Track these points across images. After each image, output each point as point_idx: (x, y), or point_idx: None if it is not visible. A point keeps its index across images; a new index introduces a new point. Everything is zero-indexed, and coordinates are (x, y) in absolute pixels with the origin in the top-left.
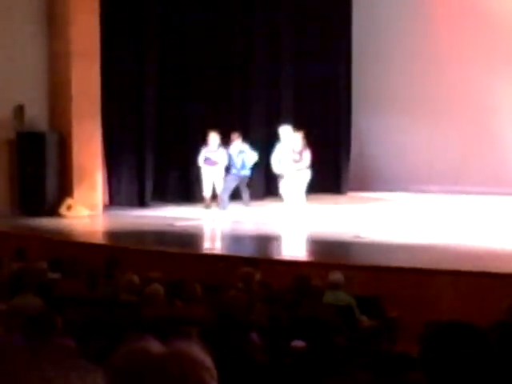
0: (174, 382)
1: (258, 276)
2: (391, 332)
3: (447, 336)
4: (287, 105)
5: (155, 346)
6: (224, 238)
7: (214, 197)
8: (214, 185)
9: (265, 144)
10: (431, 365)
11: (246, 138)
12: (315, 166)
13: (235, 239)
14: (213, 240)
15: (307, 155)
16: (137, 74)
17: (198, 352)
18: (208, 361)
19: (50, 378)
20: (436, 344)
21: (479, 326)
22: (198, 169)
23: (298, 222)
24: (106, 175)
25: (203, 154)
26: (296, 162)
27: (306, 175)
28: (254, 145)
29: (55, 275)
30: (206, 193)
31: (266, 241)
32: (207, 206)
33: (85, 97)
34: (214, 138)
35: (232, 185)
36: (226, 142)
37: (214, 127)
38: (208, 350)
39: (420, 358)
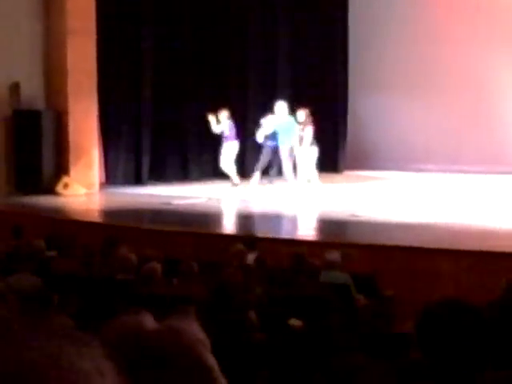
0: (167, 356)
1: (254, 255)
2: (388, 311)
3: (444, 314)
4: (284, 84)
5: (148, 321)
6: (222, 216)
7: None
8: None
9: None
10: (428, 342)
11: (243, 115)
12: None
13: (233, 217)
14: (211, 219)
15: (309, 131)
16: (133, 51)
17: (192, 327)
18: (202, 335)
19: (48, 352)
20: (433, 322)
21: (477, 304)
22: (195, 147)
23: (302, 199)
24: (103, 153)
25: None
26: (301, 139)
27: (313, 152)
28: (250, 122)
29: (51, 253)
30: (230, 169)
31: (263, 219)
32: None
33: (81, 74)
34: (223, 115)
35: (265, 158)
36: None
37: (212, 106)
38: (203, 327)
39: (417, 336)
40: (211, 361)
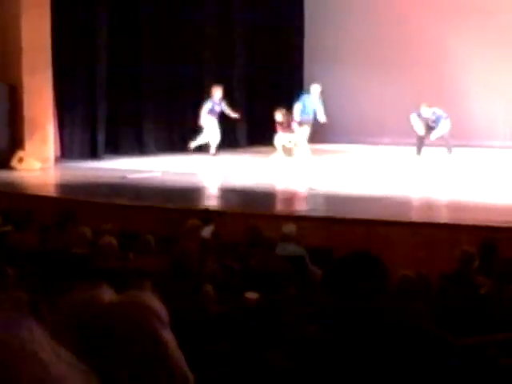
0: (123, 330)
1: (210, 228)
2: None
3: (351, 263)
4: (240, 56)
5: (106, 294)
6: (178, 190)
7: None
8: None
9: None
10: (334, 287)
11: (200, 90)
12: (269, 118)
13: (189, 191)
14: (167, 192)
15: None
16: (88, 24)
17: (150, 300)
18: (161, 309)
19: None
20: (339, 269)
21: (432, 275)
22: (150, 120)
23: (261, 173)
24: (58, 127)
25: (208, 105)
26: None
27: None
28: (205, 95)
29: (7, 228)
30: (213, 141)
31: (219, 193)
32: (214, 154)
33: (35, 48)
34: (218, 91)
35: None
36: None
37: (168, 78)
38: (162, 300)
39: (323, 281)
40: (167, 335)
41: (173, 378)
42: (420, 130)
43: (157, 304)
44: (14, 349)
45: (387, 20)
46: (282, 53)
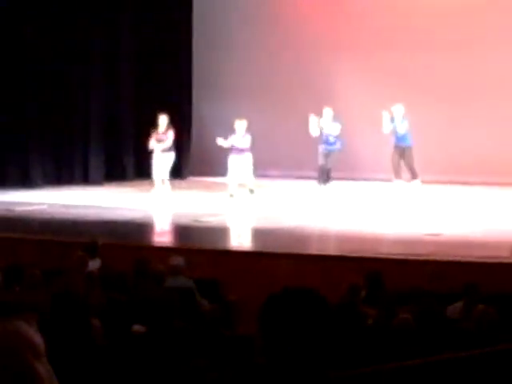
0: None
1: (97, 261)
2: (231, 315)
3: (286, 301)
4: (127, 88)
5: None
6: (64, 222)
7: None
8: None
9: (105, 127)
10: (270, 327)
11: (86, 120)
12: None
13: (76, 224)
14: (53, 225)
15: (171, 135)
16: None
17: (25, 330)
18: (35, 339)
19: None
20: (276, 306)
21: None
22: (36, 151)
23: (147, 204)
24: None
25: (154, 136)
26: (160, 141)
27: (171, 157)
28: (92, 126)
29: None
30: (156, 176)
31: (107, 225)
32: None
33: None
34: (163, 119)
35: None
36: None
37: (54, 108)
38: (45, 334)
39: (260, 320)
40: (40, 366)
41: None
42: (314, 132)
43: (32, 334)
44: None
45: (278, 51)
46: (170, 83)
